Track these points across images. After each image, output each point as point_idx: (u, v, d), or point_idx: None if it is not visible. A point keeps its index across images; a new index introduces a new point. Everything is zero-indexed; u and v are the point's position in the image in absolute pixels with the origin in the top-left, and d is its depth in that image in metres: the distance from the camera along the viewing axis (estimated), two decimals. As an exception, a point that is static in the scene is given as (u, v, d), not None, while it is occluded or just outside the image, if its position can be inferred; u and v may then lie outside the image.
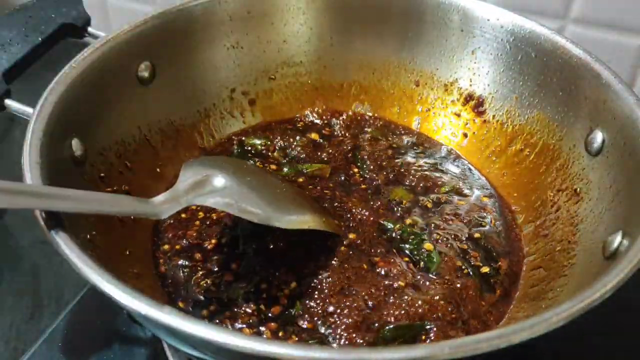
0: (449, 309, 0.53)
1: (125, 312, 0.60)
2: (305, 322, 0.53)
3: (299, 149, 0.71)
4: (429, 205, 0.64)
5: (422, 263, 0.58)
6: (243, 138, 0.72)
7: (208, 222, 0.62)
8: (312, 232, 0.56)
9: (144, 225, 0.60)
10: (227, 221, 0.61)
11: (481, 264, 0.59)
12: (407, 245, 0.60)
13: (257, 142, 0.72)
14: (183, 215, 0.62)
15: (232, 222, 0.61)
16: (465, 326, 0.54)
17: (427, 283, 0.56)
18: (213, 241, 0.59)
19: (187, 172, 0.54)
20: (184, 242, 0.60)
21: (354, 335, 0.51)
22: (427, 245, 0.59)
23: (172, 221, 0.61)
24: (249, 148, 0.71)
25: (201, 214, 0.63)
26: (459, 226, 0.62)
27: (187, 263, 0.58)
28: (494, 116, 0.71)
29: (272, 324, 0.53)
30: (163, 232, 0.61)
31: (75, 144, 0.54)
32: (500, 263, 0.59)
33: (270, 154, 0.71)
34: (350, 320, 0.52)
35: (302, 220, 0.55)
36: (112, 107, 0.61)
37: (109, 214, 0.53)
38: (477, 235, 0.61)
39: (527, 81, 0.67)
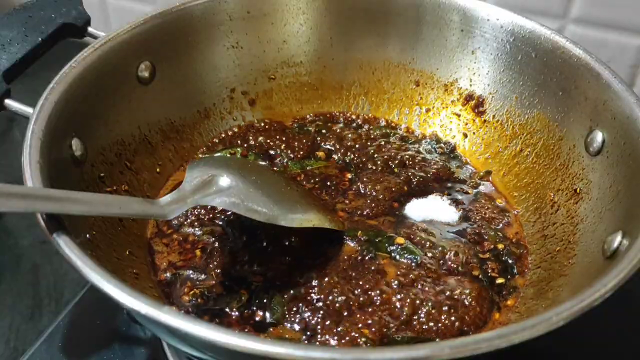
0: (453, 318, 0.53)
1: (125, 312, 0.60)
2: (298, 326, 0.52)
3: (296, 148, 0.71)
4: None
5: (404, 259, 0.58)
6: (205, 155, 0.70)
7: (190, 238, 0.60)
8: (314, 229, 0.56)
9: (142, 226, 0.60)
10: (209, 235, 0.61)
11: (497, 275, 0.58)
12: (379, 244, 0.59)
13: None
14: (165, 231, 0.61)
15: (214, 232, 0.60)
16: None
17: (436, 288, 0.55)
18: (198, 252, 0.59)
19: (193, 172, 0.54)
20: (171, 258, 0.58)
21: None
22: (399, 240, 0.59)
23: (156, 234, 0.61)
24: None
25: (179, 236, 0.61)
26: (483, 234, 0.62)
27: (175, 275, 0.57)
28: (494, 116, 0.71)
29: (272, 329, 0.52)
30: (152, 246, 0.60)
31: (75, 143, 0.54)
32: (517, 277, 0.59)
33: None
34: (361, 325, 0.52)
35: (307, 219, 0.56)
36: (112, 106, 0.61)
37: (116, 216, 0.52)
38: (500, 246, 0.61)
39: (527, 81, 0.66)
